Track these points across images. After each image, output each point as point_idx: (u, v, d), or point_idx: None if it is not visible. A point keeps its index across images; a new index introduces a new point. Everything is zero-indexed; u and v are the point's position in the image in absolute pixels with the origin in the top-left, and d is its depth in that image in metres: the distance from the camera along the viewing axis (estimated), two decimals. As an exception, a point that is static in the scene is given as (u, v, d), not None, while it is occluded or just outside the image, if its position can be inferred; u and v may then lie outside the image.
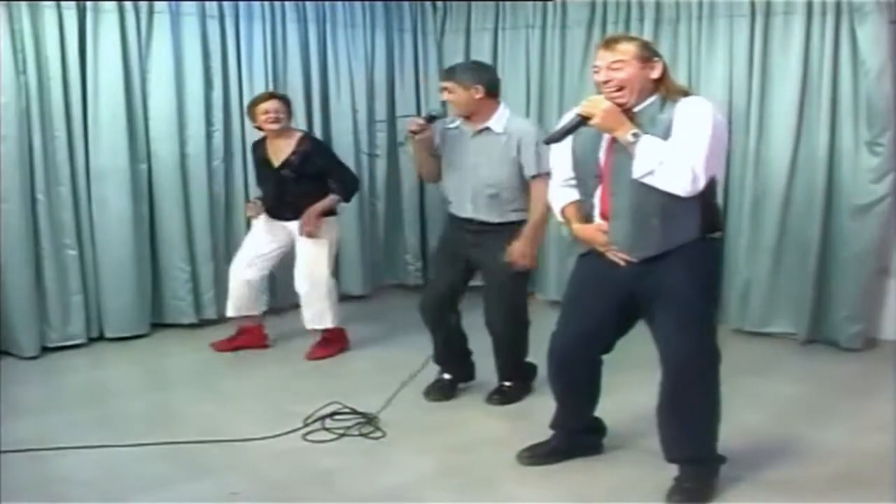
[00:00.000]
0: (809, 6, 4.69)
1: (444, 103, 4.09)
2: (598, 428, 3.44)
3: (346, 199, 4.65)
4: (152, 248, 5.08)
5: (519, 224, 3.79)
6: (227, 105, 5.23)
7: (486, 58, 5.94)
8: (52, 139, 4.62)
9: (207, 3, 5.07)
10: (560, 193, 3.19)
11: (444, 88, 3.80)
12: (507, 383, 4.05)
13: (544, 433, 3.67)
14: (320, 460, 3.40)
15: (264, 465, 3.35)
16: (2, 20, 4.37)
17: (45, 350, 4.67)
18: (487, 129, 3.77)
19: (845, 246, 4.75)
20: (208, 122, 5.15)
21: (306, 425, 3.67)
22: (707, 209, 2.90)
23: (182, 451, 3.44)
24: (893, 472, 3.20)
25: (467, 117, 3.81)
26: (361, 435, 3.64)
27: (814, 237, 4.81)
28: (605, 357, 3.25)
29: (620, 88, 2.82)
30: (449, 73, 3.87)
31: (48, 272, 4.66)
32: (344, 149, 5.51)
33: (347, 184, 4.62)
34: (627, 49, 2.83)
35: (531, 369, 4.10)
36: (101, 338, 4.91)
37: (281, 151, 4.50)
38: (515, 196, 3.80)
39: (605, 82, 2.84)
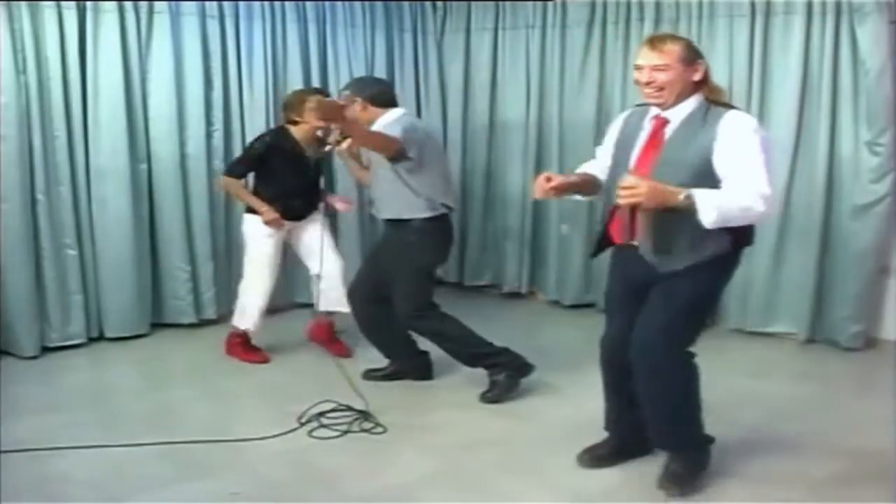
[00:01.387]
0: (809, 6, 4.70)
1: None
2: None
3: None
4: (152, 248, 5.08)
5: (409, 221, 3.98)
6: (227, 105, 5.23)
7: (486, 58, 5.97)
8: (52, 139, 4.62)
9: (207, 3, 5.07)
10: (590, 166, 3.24)
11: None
12: (491, 378, 4.07)
13: (545, 433, 3.68)
14: (320, 460, 3.40)
15: (264, 465, 3.35)
16: (2, 20, 4.37)
17: (45, 350, 4.66)
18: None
19: (845, 246, 4.76)
20: (208, 122, 5.15)
21: (301, 424, 3.68)
22: (740, 226, 2.85)
23: (182, 451, 3.44)
24: (893, 472, 3.20)
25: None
26: (364, 431, 3.65)
27: (814, 237, 4.81)
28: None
29: (661, 89, 2.82)
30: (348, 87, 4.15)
31: (48, 272, 4.66)
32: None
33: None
34: (673, 50, 2.82)
35: (510, 356, 4.08)
36: (101, 338, 4.91)
37: (312, 148, 4.53)
38: (403, 193, 3.96)
39: (648, 83, 2.83)
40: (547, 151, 5.73)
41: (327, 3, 5.59)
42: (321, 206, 4.64)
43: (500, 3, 5.86)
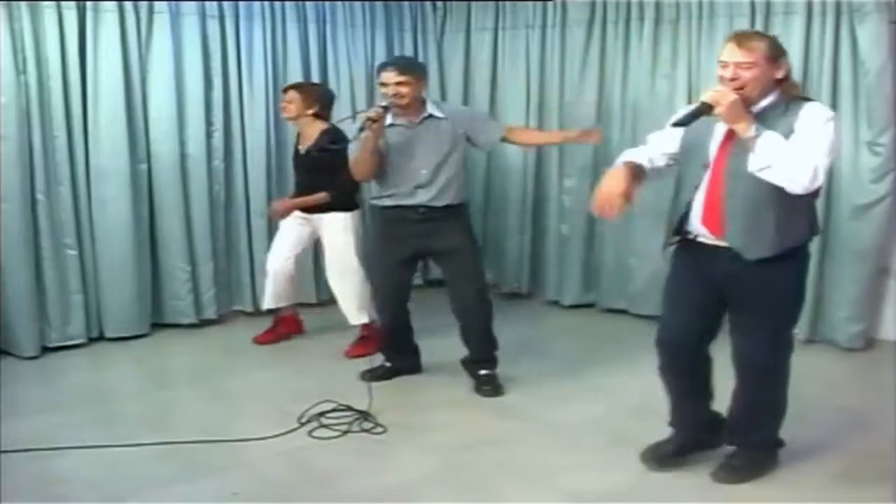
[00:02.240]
0: (809, 6, 4.70)
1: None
2: (715, 422, 3.32)
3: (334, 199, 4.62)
4: (152, 248, 5.07)
5: (463, 204, 4.11)
6: (227, 105, 5.23)
7: (486, 58, 5.96)
8: (52, 139, 4.62)
9: (207, 3, 5.06)
10: (637, 153, 3.15)
11: (400, 82, 3.91)
12: (489, 372, 4.15)
13: (545, 433, 3.68)
14: (320, 460, 3.40)
15: (264, 465, 3.35)
16: (2, 20, 4.37)
17: (45, 350, 4.66)
18: (431, 116, 4.02)
19: (845, 246, 4.75)
20: (208, 122, 5.15)
21: (302, 424, 3.68)
22: (812, 212, 2.99)
23: (182, 451, 3.44)
24: (893, 472, 3.20)
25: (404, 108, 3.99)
26: (364, 431, 3.65)
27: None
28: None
29: (744, 86, 2.84)
30: (404, 67, 4.00)
31: (48, 272, 4.66)
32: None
33: (338, 186, 4.53)
34: (759, 48, 2.85)
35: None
36: (101, 338, 4.91)
37: (307, 139, 4.65)
38: (460, 177, 4.09)
39: (733, 79, 2.84)
40: (547, 151, 5.73)
41: (327, 3, 5.59)
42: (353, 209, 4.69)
43: (500, 3, 5.86)
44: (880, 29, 4.50)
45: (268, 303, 4.87)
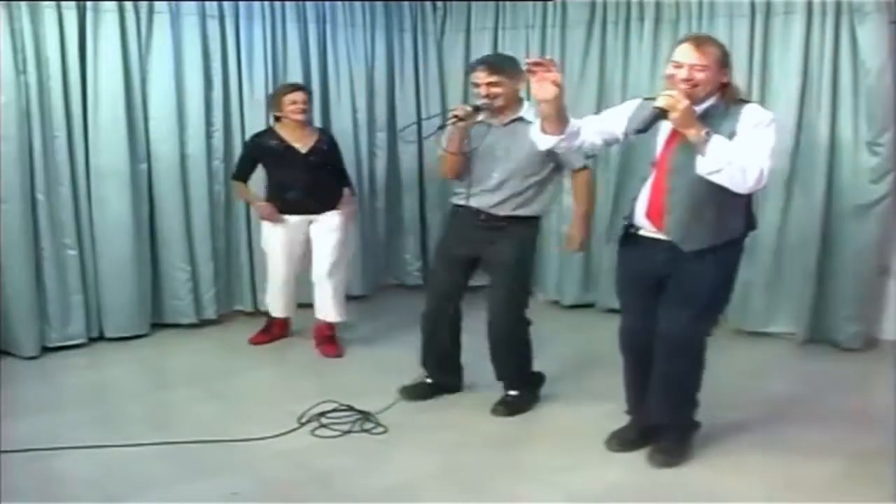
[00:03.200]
0: (809, 6, 4.70)
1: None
2: None
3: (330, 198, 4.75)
4: (152, 248, 5.07)
5: (526, 219, 3.83)
6: (227, 105, 5.23)
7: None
8: (52, 139, 4.62)
9: (207, 3, 5.06)
10: (585, 120, 3.28)
11: (492, 83, 3.70)
12: (513, 392, 3.94)
13: (545, 433, 3.68)
14: (320, 460, 3.40)
15: (264, 465, 3.35)
16: (2, 20, 4.37)
17: (45, 350, 4.66)
18: (521, 119, 3.76)
19: (845, 246, 4.76)
20: (208, 122, 5.15)
21: (302, 424, 3.68)
22: (749, 210, 3.19)
23: (182, 451, 3.44)
24: (893, 472, 3.20)
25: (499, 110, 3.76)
26: (364, 431, 3.65)
27: (814, 237, 4.81)
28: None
29: (696, 86, 2.98)
30: (495, 65, 3.76)
31: (48, 272, 4.66)
32: (344, 149, 5.50)
33: (346, 181, 4.88)
34: (713, 52, 3.01)
35: (538, 378, 4.06)
36: (101, 338, 4.90)
37: (306, 139, 4.62)
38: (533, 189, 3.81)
39: (686, 79, 2.97)
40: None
41: (327, 3, 5.59)
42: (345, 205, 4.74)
43: (500, 3, 5.86)
44: (880, 29, 4.50)
45: (284, 311, 4.84)
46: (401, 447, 3.53)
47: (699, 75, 2.96)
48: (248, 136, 5.20)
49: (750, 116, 3.00)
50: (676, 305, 3.18)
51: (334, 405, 3.82)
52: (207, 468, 3.32)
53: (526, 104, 3.81)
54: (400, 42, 6.01)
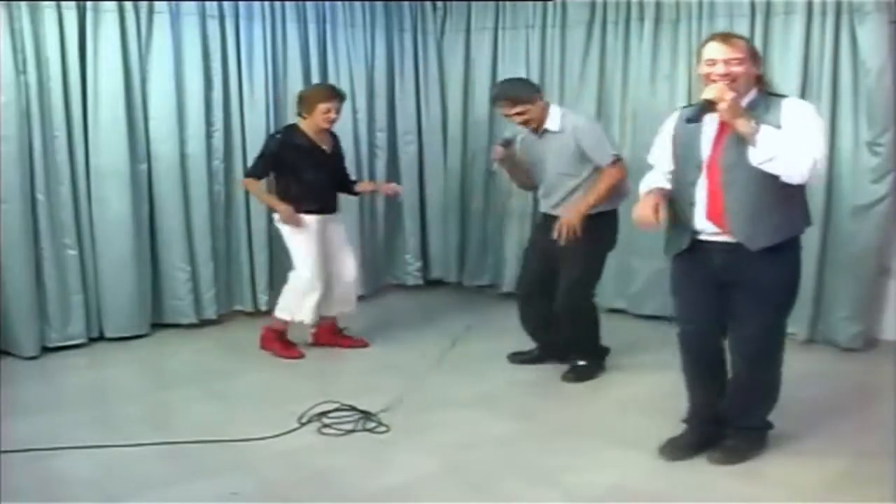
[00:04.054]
0: (809, 6, 4.70)
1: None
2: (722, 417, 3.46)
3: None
4: (152, 248, 5.07)
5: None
6: (227, 105, 5.23)
7: (486, 58, 5.97)
8: (52, 139, 4.62)
9: (207, 3, 5.06)
10: (656, 178, 3.30)
11: (518, 113, 4.10)
12: (581, 362, 4.28)
13: (545, 433, 3.68)
14: (320, 460, 3.40)
15: (264, 465, 3.35)
16: (2, 20, 4.37)
17: (45, 350, 4.66)
18: (546, 130, 4.15)
19: (845, 246, 4.75)
20: (208, 122, 5.15)
21: (302, 424, 3.68)
22: (805, 203, 3.18)
23: (182, 451, 3.44)
24: (893, 472, 3.20)
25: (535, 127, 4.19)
26: (367, 430, 3.66)
27: (814, 237, 4.80)
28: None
29: (735, 80, 2.97)
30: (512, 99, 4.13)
31: (48, 272, 4.66)
32: (344, 149, 5.50)
33: (349, 182, 4.88)
34: (743, 45, 3.03)
35: (603, 351, 4.42)
36: (101, 338, 4.90)
37: (327, 140, 4.64)
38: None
39: (724, 75, 2.97)
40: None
41: (327, 3, 5.59)
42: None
43: (500, 3, 5.86)
44: (880, 29, 4.50)
45: (316, 316, 4.68)
46: (401, 447, 3.53)
47: (736, 69, 2.97)
48: (248, 136, 5.24)
49: (794, 108, 3.01)
50: (749, 316, 3.15)
51: (335, 405, 3.82)
52: (207, 468, 3.31)
53: (552, 111, 4.16)
54: (400, 42, 6.01)
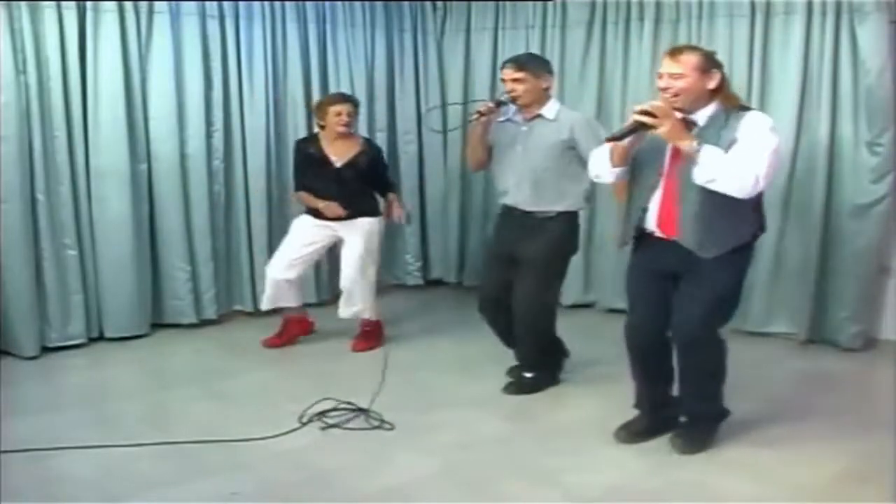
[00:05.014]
0: (809, 6, 4.70)
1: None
2: (674, 404, 3.58)
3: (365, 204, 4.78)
4: (152, 248, 5.07)
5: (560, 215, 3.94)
6: (227, 105, 5.23)
7: (486, 58, 5.96)
8: (52, 139, 4.62)
9: (207, 3, 5.06)
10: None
11: (516, 79, 3.86)
12: (528, 374, 4.12)
13: (545, 433, 3.69)
14: (320, 460, 3.40)
15: (264, 465, 3.35)
16: (2, 20, 4.37)
17: (45, 350, 4.66)
18: (540, 116, 3.92)
19: (845, 246, 4.75)
20: (208, 122, 5.15)
21: (302, 424, 3.68)
22: (759, 212, 3.29)
23: (182, 451, 3.44)
24: (893, 472, 3.20)
25: (526, 106, 3.92)
26: (375, 428, 3.67)
27: (814, 237, 4.81)
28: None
29: (676, 95, 3.10)
30: (522, 63, 3.91)
31: (48, 272, 4.65)
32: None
33: (391, 187, 4.94)
34: (688, 60, 3.11)
35: (556, 362, 4.25)
36: (101, 338, 4.90)
37: (345, 152, 4.64)
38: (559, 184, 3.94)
39: (665, 89, 3.12)
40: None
41: (327, 3, 5.59)
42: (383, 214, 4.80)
43: (500, 3, 5.86)
44: (880, 29, 4.50)
45: (266, 304, 4.82)
46: (401, 447, 3.53)
47: (677, 84, 3.08)
48: (248, 136, 5.27)
49: (750, 123, 3.07)
50: (689, 303, 3.26)
51: (334, 403, 3.82)
52: (207, 468, 3.31)
53: (552, 101, 3.95)
54: (400, 42, 6.01)
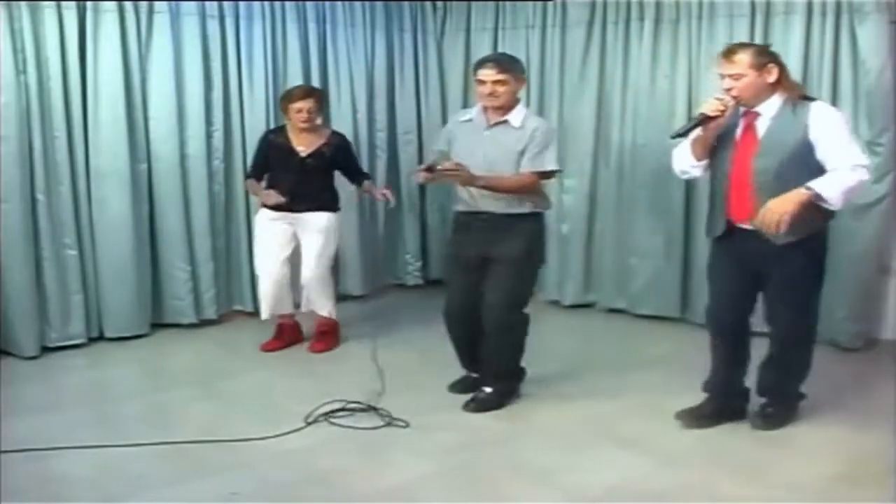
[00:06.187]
0: (809, 6, 4.70)
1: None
2: (744, 393, 3.73)
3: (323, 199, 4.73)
4: (152, 248, 5.07)
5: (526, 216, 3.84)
6: (227, 105, 5.23)
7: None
8: (52, 139, 4.62)
9: (207, 3, 5.06)
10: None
11: (499, 81, 3.69)
12: (487, 389, 3.95)
13: (545, 433, 3.68)
14: (321, 460, 3.40)
15: (264, 465, 3.35)
16: (2, 20, 4.37)
17: (45, 350, 4.66)
18: (506, 122, 3.79)
19: (845, 246, 4.74)
20: (208, 122, 5.15)
21: (305, 424, 3.68)
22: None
23: (182, 451, 3.44)
24: (893, 472, 3.20)
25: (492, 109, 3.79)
26: (390, 425, 3.69)
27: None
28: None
29: (738, 94, 3.26)
30: (505, 65, 3.77)
31: (48, 272, 4.65)
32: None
33: (359, 177, 4.88)
34: (743, 59, 3.26)
35: (518, 374, 4.06)
36: (101, 338, 4.90)
37: (310, 143, 4.62)
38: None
39: (728, 90, 3.27)
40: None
41: (327, 3, 5.59)
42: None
43: (500, 3, 5.86)
44: (880, 29, 4.50)
45: (269, 311, 4.75)
46: (400, 447, 3.53)
47: (738, 84, 3.24)
48: (248, 136, 5.24)
49: (822, 119, 3.23)
50: (781, 300, 3.45)
51: (334, 405, 3.82)
52: (207, 468, 3.32)
53: (519, 106, 3.84)
54: (400, 42, 6.01)
